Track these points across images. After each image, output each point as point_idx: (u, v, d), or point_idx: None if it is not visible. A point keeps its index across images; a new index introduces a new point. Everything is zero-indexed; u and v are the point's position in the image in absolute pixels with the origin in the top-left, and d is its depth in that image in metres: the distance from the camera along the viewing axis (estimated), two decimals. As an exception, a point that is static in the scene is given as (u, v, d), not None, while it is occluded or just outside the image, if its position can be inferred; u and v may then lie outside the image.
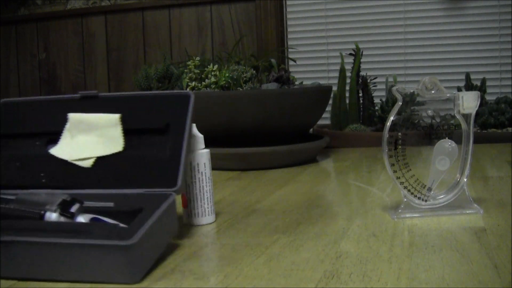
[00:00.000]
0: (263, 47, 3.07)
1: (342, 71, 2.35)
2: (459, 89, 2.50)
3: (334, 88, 2.26)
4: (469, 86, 2.52)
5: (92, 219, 0.78)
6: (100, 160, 0.92)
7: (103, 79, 3.44)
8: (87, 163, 0.92)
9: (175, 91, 1.02)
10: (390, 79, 2.57)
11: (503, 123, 2.26)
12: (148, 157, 0.91)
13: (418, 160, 0.91)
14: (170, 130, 0.92)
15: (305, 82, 2.25)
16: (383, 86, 2.57)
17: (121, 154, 0.92)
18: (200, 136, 0.97)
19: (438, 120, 0.90)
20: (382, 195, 1.10)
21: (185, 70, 2.03)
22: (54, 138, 0.96)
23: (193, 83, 1.88)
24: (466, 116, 0.89)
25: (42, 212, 0.77)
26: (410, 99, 0.90)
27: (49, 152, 0.95)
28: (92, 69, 3.47)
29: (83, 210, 0.80)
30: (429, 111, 0.90)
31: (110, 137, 0.93)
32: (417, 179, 0.90)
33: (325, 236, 0.82)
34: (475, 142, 0.90)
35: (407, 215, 0.90)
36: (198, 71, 1.95)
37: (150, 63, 2.88)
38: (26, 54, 3.63)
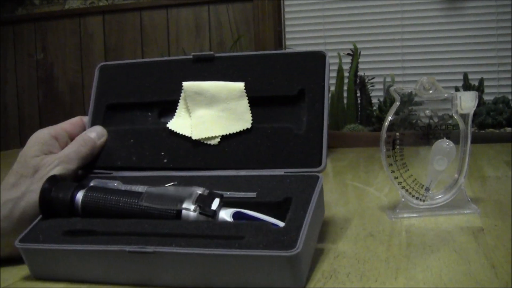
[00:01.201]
0: (261, 47, 3.07)
1: (340, 71, 2.35)
2: (457, 89, 2.50)
3: (332, 88, 2.26)
4: (467, 86, 2.52)
5: (235, 214, 0.67)
6: (225, 136, 0.80)
7: (100, 79, 3.43)
8: (213, 142, 0.80)
9: (306, 50, 0.81)
10: (388, 79, 2.57)
11: (500, 123, 2.26)
12: (282, 131, 0.78)
13: (416, 160, 0.91)
14: (305, 97, 0.79)
15: (303, 82, 2.24)
16: (381, 86, 2.57)
17: (249, 127, 0.80)
18: None
19: (436, 120, 0.90)
20: (379, 195, 1.10)
21: (183, 70, 2.03)
22: (167, 108, 0.84)
23: (191, 83, 1.87)
24: (464, 116, 0.89)
25: (179, 208, 0.67)
26: (408, 99, 0.90)
27: (166, 127, 0.82)
28: (90, 69, 3.47)
29: (223, 203, 0.69)
30: (427, 111, 0.90)
31: (235, 111, 0.80)
32: (415, 179, 0.90)
33: (322, 236, 0.82)
34: (473, 142, 0.90)
35: (405, 215, 0.90)
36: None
37: (148, 63, 2.87)
38: (23, 54, 3.62)
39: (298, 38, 3.12)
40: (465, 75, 2.57)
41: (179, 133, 0.82)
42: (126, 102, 0.87)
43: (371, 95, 2.48)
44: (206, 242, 0.62)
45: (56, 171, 0.75)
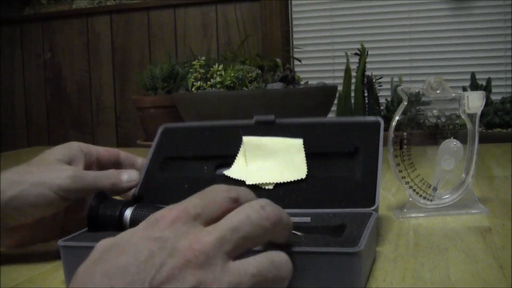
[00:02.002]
0: (268, 47, 3.08)
1: (347, 71, 2.35)
2: (464, 88, 2.50)
3: (340, 88, 2.26)
4: (475, 86, 2.52)
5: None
6: (280, 183, 0.82)
7: (108, 79, 3.45)
8: (268, 187, 0.82)
9: (363, 117, 0.87)
10: (396, 79, 2.57)
11: (508, 123, 2.26)
12: (336, 178, 0.81)
13: (423, 160, 0.91)
14: (360, 153, 0.82)
15: (310, 82, 2.25)
16: (389, 86, 2.57)
17: (304, 178, 0.82)
18: None
19: (443, 119, 0.90)
20: (387, 195, 1.10)
21: (190, 70, 2.03)
22: (224, 163, 0.87)
23: (199, 82, 1.88)
24: (471, 116, 0.89)
25: None
26: (416, 99, 0.90)
27: (221, 174, 0.85)
28: (97, 69, 3.48)
29: None
30: (435, 111, 0.90)
31: (291, 163, 0.83)
32: (422, 178, 0.89)
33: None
34: (480, 141, 0.90)
35: (412, 215, 0.90)
36: (203, 71, 1.95)
37: (155, 63, 2.88)
38: (31, 54, 3.64)
39: (306, 38, 3.12)
40: (473, 74, 2.57)
41: (234, 178, 0.84)
42: (183, 155, 0.90)
43: (378, 95, 2.48)
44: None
45: (63, 181, 0.72)
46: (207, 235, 0.45)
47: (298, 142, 0.85)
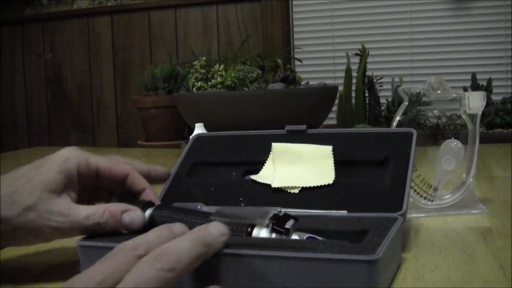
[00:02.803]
0: (269, 47, 3.08)
1: (348, 71, 2.35)
2: (465, 89, 2.50)
3: (340, 88, 2.26)
4: (475, 86, 2.52)
5: (308, 238, 0.64)
6: (306, 187, 0.82)
7: (109, 79, 3.45)
8: (294, 190, 0.82)
9: (395, 129, 0.87)
10: (396, 79, 2.57)
11: (509, 123, 2.26)
12: (364, 184, 0.80)
13: (424, 160, 0.91)
14: (390, 162, 0.82)
15: (311, 82, 2.25)
16: (389, 86, 2.57)
17: (331, 183, 0.82)
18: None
19: (444, 120, 0.90)
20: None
21: (191, 70, 2.03)
22: (253, 169, 0.88)
23: (199, 83, 1.88)
24: (472, 116, 0.89)
25: (249, 229, 0.63)
26: (416, 99, 0.90)
27: (248, 179, 0.86)
28: (98, 69, 3.48)
29: (296, 229, 0.65)
30: (435, 111, 0.90)
31: (319, 168, 0.84)
32: (423, 179, 0.89)
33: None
34: (481, 142, 0.90)
35: (413, 215, 0.90)
36: (204, 71, 1.95)
37: (156, 63, 2.88)
38: (32, 54, 3.64)
39: (306, 38, 3.12)
40: (473, 75, 2.57)
41: (260, 182, 0.84)
42: (213, 161, 0.91)
43: (379, 95, 2.48)
44: (282, 250, 0.59)
45: (48, 230, 0.66)
46: None
47: (327, 148, 0.85)
